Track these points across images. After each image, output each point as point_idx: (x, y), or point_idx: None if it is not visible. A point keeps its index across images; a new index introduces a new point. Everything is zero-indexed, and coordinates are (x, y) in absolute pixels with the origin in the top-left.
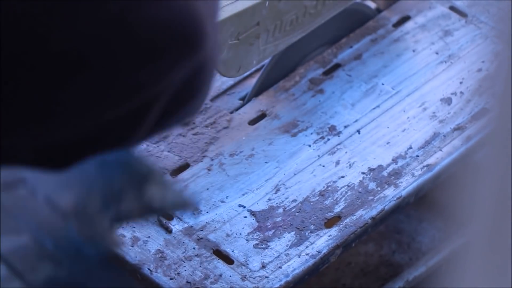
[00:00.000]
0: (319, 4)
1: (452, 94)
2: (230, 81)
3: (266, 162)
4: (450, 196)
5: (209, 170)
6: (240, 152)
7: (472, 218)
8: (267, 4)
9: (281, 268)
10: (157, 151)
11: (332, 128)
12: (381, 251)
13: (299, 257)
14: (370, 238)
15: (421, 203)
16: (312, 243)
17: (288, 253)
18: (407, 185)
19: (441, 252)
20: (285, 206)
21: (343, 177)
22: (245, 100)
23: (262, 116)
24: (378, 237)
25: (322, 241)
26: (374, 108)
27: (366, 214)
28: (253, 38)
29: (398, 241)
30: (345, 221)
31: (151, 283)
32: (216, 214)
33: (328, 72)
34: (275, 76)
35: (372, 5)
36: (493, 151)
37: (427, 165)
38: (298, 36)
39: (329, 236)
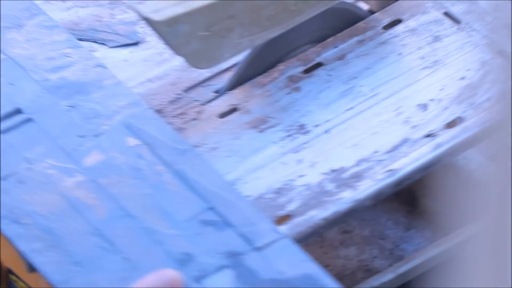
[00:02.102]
0: (300, 1)
1: (430, 100)
2: (206, 73)
3: (228, 156)
4: (442, 205)
5: None
6: (204, 144)
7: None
8: None
9: None
10: None
11: (301, 127)
12: (361, 256)
13: None
14: (353, 242)
15: (412, 210)
16: None
17: None
18: (366, 188)
19: (412, 261)
20: None
21: (302, 176)
22: (219, 93)
23: (233, 110)
24: (361, 241)
25: None
26: (348, 109)
27: (318, 214)
28: (226, 31)
29: (381, 247)
30: (296, 220)
31: None
32: None
33: (309, 71)
34: (253, 71)
35: (365, 6)
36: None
37: (390, 170)
38: (277, 32)
39: None
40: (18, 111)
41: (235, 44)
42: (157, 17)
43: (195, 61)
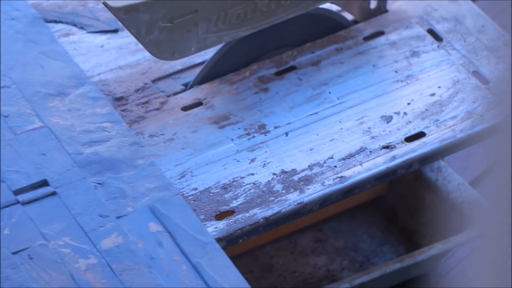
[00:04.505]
0: (272, 3)
1: (395, 113)
2: (178, 66)
3: (182, 148)
4: (419, 223)
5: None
6: (161, 134)
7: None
8: None
9: None
10: None
11: (262, 127)
12: (330, 266)
13: None
14: (325, 251)
15: (390, 226)
16: None
17: None
18: (312, 192)
19: (371, 273)
20: (184, 192)
21: (252, 174)
22: (188, 86)
23: (197, 104)
24: (333, 251)
25: None
26: (311, 114)
27: (260, 213)
28: (190, 25)
29: (351, 259)
30: (237, 216)
31: None
32: None
33: (280, 73)
34: (224, 67)
35: (349, 17)
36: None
37: (341, 177)
38: (247, 31)
39: (215, 228)
40: (44, 183)
41: (202, 38)
42: (115, 3)
43: (157, 51)
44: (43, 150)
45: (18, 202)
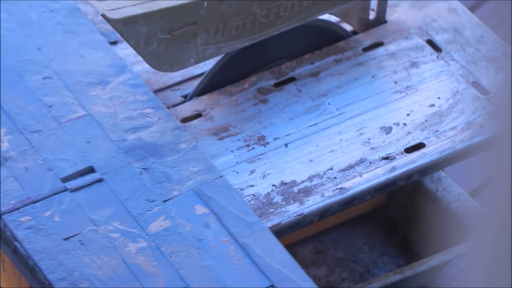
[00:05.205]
0: (271, 15)
1: (394, 124)
2: (177, 77)
3: None
4: (419, 234)
5: None
6: None
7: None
8: (205, 4)
9: None
10: None
11: (261, 138)
12: (330, 277)
13: None
14: (325, 262)
15: (390, 237)
16: None
17: None
18: (312, 204)
19: (369, 285)
20: None
21: (252, 186)
22: (187, 98)
23: (197, 115)
24: (333, 262)
25: None
26: (310, 126)
27: None
28: (189, 36)
29: (352, 270)
30: None
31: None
32: None
33: (280, 84)
34: (223, 78)
35: (349, 28)
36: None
37: (341, 188)
38: (246, 42)
39: None
40: (91, 170)
41: (201, 50)
42: (113, 15)
43: (156, 63)
44: (88, 137)
45: (66, 189)
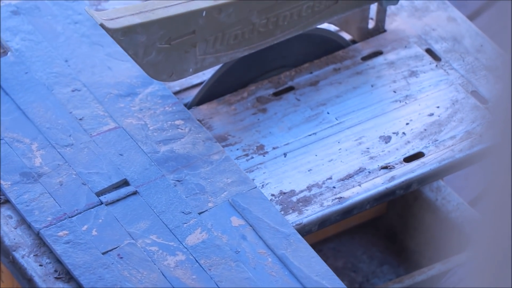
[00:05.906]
0: (270, 24)
1: (393, 133)
2: (176, 87)
3: None
4: (419, 243)
5: None
6: None
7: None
8: (204, 13)
9: None
10: None
11: (260, 148)
12: None
13: None
14: None
15: (390, 246)
16: None
17: None
18: (311, 213)
19: None
20: None
21: None
22: (186, 107)
23: None
24: (332, 271)
25: None
26: (309, 135)
27: None
28: (188, 46)
29: (351, 280)
30: None
31: (19, 267)
32: None
33: (279, 94)
34: (222, 88)
35: (347, 36)
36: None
37: (340, 198)
38: (245, 52)
39: None
40: (125, 183)
41: (200, 59)
42: (112, 25)
43: (155, 72)
44: (120, 150)
45: (102, 203)
